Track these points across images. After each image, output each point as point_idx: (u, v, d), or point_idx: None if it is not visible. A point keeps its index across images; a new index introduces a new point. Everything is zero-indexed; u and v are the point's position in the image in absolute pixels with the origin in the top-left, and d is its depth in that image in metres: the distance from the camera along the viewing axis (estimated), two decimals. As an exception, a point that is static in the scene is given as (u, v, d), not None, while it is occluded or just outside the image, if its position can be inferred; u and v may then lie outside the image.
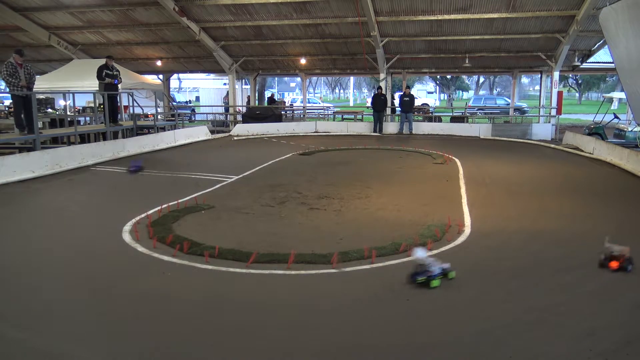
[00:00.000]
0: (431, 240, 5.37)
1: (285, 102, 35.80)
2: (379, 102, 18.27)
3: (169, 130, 15.49)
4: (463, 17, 16.19)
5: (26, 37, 20.22)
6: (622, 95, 15.35)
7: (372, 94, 19.82)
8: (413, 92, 23.38)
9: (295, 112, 26.90)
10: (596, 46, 18.30)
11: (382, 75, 19.64)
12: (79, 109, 16.17)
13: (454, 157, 11.98)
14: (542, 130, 17.46)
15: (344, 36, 18.56)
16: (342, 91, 71.79)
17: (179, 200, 7.22)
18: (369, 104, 24.59)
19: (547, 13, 15.58)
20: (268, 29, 18.41)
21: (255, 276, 4.50)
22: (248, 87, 24.51)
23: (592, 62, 19.63)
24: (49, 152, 10.07)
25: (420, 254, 4.31)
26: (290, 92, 65.89)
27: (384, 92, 18.85)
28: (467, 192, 8.04)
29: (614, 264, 4.54)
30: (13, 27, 19.37)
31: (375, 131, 18.38)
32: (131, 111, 15.54)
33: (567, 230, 5.98)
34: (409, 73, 22.51)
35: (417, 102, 25.84)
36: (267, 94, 29.00)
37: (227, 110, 24.18)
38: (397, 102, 20.62)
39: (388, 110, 19.90)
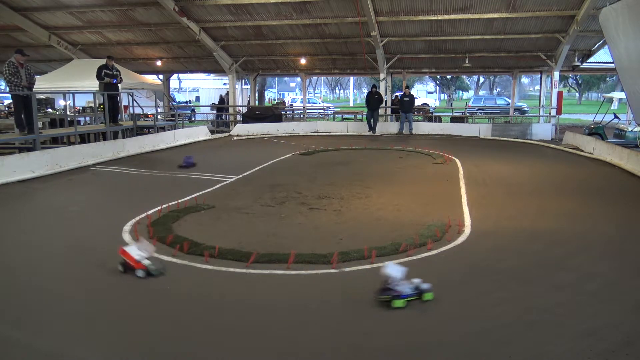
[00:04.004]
0: (431, 240, 5.38)
1: (285, 102, 35.81)
2: (373, 100, 17.88)
3: (168, 130, 15.48)
4: (463, 17, 16.18)
5: (26, 37, 20.20)
6: (622, 95, 15.34)
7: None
8: (413, 92, 23.32)
9: (295, 112, 26.90)
10: (596, 46, 18.28)
11: (382, 75, 19.62)
12: (79, 109, 16.17)
13: (454, 157, 11.97)
14: (542, 130, 17.45)
15: (344, 36, 18.54)
16: (342, 91, 71.80)
17: (179, 200, 7.22)
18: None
19: (547, 13, 15.57)
20: (268, 29, 18.40)
21: (255, 276, 4.50)
22: (248, 87, 24.50)
23: (592, 62, 19.61)
24: (49, 152, 10.07)
25: (391, 270, 3.84)
26: (290, 92, 65.92)
27: (379, 90, 18.59)
28: (467, 192, 8.04)
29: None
30: (13, 27, 19.34)
31: (368, 130, 18.02)
32: (131, 111, 15.54)
33: (567, 230, 5.98)
34: (409, 73, 22.49)
35: (417, 102, 25.80)
36: (267, 94, 28.90)
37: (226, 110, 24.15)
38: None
39: (388, 110, 19.87)
